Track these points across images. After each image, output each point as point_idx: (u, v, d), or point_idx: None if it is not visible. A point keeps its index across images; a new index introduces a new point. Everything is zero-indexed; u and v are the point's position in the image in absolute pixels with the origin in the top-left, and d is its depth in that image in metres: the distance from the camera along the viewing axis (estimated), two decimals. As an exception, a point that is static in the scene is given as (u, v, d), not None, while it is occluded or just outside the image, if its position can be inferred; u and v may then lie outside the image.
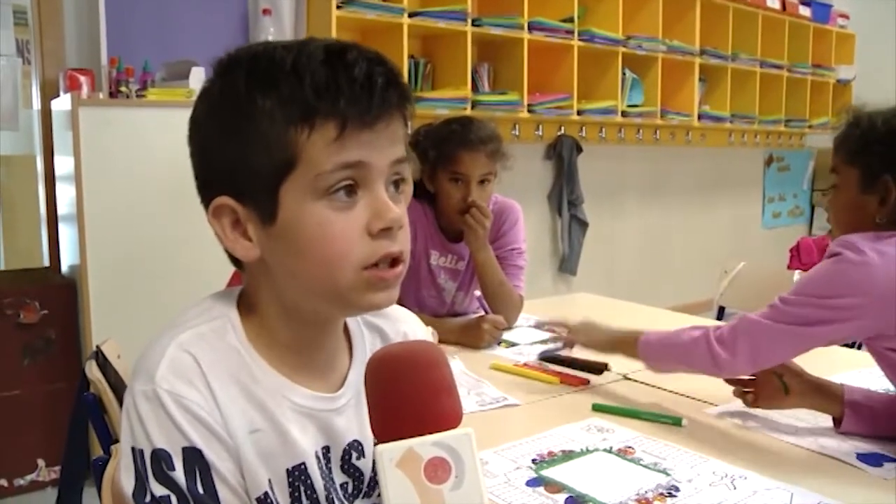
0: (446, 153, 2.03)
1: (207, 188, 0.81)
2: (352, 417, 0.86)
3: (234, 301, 0.84)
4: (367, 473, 0.89)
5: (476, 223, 2.01)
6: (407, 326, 0.97)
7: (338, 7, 3.34)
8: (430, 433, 0.65)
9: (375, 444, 0.66)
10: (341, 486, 0.87)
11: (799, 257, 3.60)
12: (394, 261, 0.79)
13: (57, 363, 2.84)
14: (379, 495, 0.88)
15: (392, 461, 0.64)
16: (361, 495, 0.89)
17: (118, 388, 1.35)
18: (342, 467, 0.87)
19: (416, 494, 0.63)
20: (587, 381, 1.63)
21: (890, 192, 1.29)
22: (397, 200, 0.80)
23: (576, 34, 4.21)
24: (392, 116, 0.78)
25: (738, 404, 1.46)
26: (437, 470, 0.64)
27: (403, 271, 0.81)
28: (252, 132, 0.76)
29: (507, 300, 2.06)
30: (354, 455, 0.87)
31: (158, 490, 0.73)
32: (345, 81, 0.74)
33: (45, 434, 2.79)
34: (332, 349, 0.87)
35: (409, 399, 0.67)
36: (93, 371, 1.39)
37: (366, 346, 0.91)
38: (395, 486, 0.63)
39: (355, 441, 0.87)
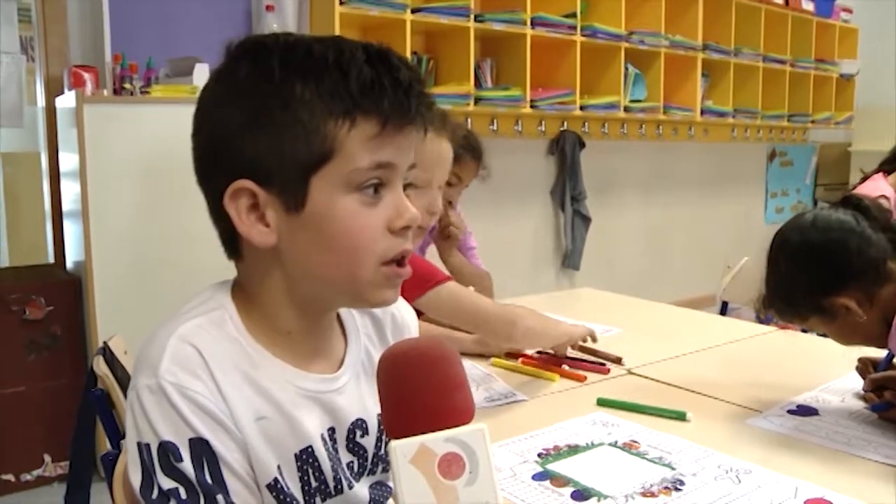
0: (462, 157, 2.06)
1: (221, 171, 0.80)
2: (352, 396, 0.88)
3: (229, 291, 0.85)
4: (371, 451, 0.90)
5: (458, 231, 2.16)
6: (394, 307, 0.99)
7: (341, 3, 3.34)
8: (443, 429, 0.65)
9: (389, 441, 0.66)
10: (347, 465, 0.88)
11: (802, 252, 3.60)
12: (403, 259, 0.83)
13: (62, 359, 2.86)
14: (384, 471, 0.91)
15: (406, 457, 0.64)
16: (367, 473, 0.91)
17: (125, 383, 1.36)
18: (348, 446, 0.88)
19: (430, 490, 0.64)
20: (601, 372, 1.66)
21: (844, 306, 1.31)
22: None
23: (578, 29, 4.21)
24: (420, 122, 0.81)
25: (742, 400, 1.47)
26: (451, 466, 0.64)
27: (410, 271, 0.85)
28: (287, 120, 0.76)
29: (486, 287, 2.22)
30: (359, 433, 0.89)
31: (166, 483, 0.74)
32: (389, 83, 0.77)
33: (51, 430, 2.81)
34: (329, 334, 0.90)
35: (421, 395, 0.67)
36: (100, 367, 1.40)
37: (358, 328, 0.94)
38: (409, 482, 0.64)
39: (359, 419, 0.89)
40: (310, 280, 0.82)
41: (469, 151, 2.10)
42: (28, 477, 2.85)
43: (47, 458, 2.86)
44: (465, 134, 2.12)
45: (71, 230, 3.00)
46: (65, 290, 2.89)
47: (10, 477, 2.82)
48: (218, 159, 0.81)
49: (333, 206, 0.78)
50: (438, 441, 0.64)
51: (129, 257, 2.75)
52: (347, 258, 0.80)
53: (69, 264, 3.08)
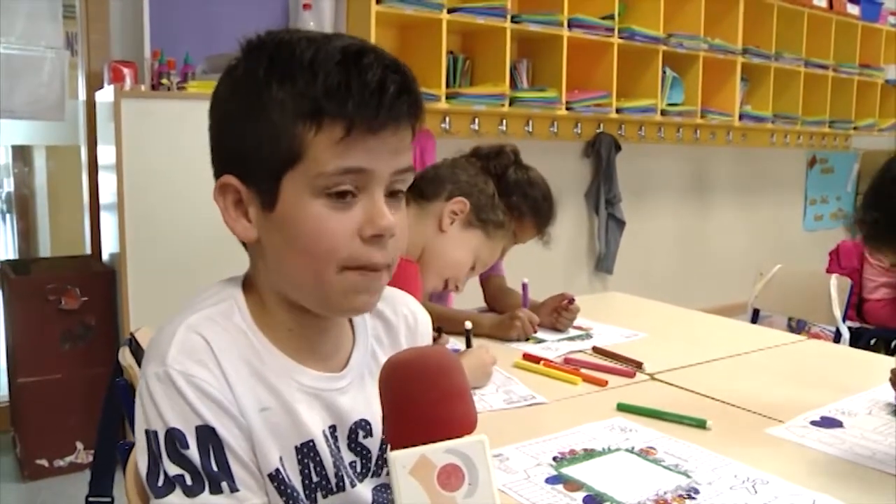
0: (524, 215, 2.06)
1: (217, 164, 0.83)
2: (357, 397, 0.88)
3: (240, 283, 0.87)
4: (375, 452, 0.91)
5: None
6: (406, 309, 0.99)
7: (377, 2, 3.36)
8: (444, 440, 0.65)
9: (389, 451, 0.67)
10: (350, 464, 0.89)
11: (838, 261, 3.54)
12: (375, 268, 0.81)
13: (95, 349, 2.91)
14: (388, 474, 0.91)
15: (405, 468, 0.64)
16: (370, 474, 0.91)
17: (150, 374, 1.38)
18: (349, 446, 0.89)
19: (429, 501, 0.64)
20: (626, 375, 1.64)
21: None
22: (394, 208, 0.81)
23: (616, 31, 4.18)
24: (400, 125, 0.78)
25: (765, 409, 1.45)
26: (450, 477, 0.64)
27: (386, 280, 0.83)
28: (264, 120, 0.77)
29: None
30: (362, 434, 0.89)
31: (172, 470, 0.75)
32: (356, 84, 0.75)
33: (84, 418, 2.86)
34: (335, 333, 0.89)
35: (421, 405, 0.67)
36: (125, 357, 1.42)
37: (367, 329, 0.94)
38: (408, 493, 0.64)
39: (362, 420, 0.89)
40: (285, 281, 0.83)
41: (533, 215, 2.07)
42: (61, 463, 2.90)
43: (80, 445, 2.92)
44: (539, 197, 2.08)
45: (108, 222, 3.05)
46: (100, 281, 2.95)
47: (44, 462, 2.88)
48: (213, 153, 0.84)
49: (301, 209, 0.78)
50: (438, 452, 0.65)
51: (163, 250, 2.79)
52: (310, 260, 0.79)
53: (105, 256, 3.14)
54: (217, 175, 0.83)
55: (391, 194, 0.81)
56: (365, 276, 0.80)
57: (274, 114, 0.77)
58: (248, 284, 0.87)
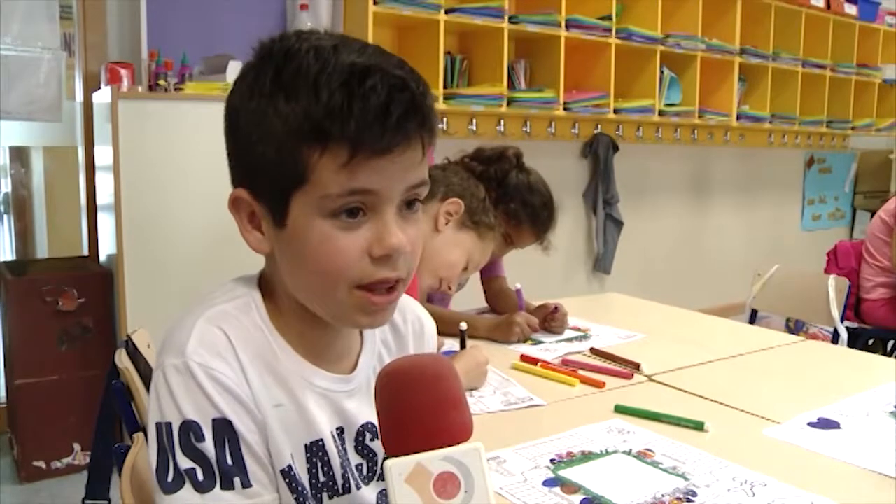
0: (523, 222, 2.06)
1: (232, 171, 0.83)
2: (364, 400, 0.89)
3: (256, 282, 0.87)
4: (381, 456, 0.90)
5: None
6: (412, 314, 0.99)
7: (374, 2, 3.35)
8: (440, 447, 0.65)
9: (385, 459, 0.66)
10: (356, 466, 0.89)
11: (836, 261, 3.53)
12: (391, 287, 0.80)
13: (93, 350, 2.90)
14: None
15: (401, 476, 0.64)
16: (376, 478, 0.91)
17: (147, 376, 1.38)
18: (356, 448, 0.89)
19: None
20: (623, 377, 1.63)
21: None
22: (409, 221, 0.80)
23: (613, 32, 4.18)
24: (409, 143, 0.77)
25: (763, 411, 1.44)
26: (446, 485, 0.64)
27: (398, 297, 0.82)
28: (270, 134, 0.76)
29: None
30: (368, 437, 0.90)
31: (184, 463, 0.74)
32: (359, 108, 0.73)
33: (82, 419, 2.85)
34: (343, 338, 0.90)
35: (417, 413, 0.67)
36: (122, 359, 1.42)
37: (376, 333, 0.94)
38: (404, 501, 0.64)
39: (369, 423, 0.89)
40: (296, 291, 0.83)
41: (532, 223, 2.07)
42: (58, 464, 2.90)
43: (77, 447, 2.91)
44: (538, 204, 2.07)
45: (105, 223, 3.04)
46: (97, 282, 2.94)
47: (42, 464, 2.87)
48: (228, 158, 0.83)
49: (310, 229, 0.77)
50: (434, 460, 0.64)
51: (161, 252, 2.78)
52: (320, 279, 0.79)
53: (102, 257, 3.13)
54: (232, 182, 0.82)
55: (406, 205, 0.80)
56: (376, 295, 0.80)
57: (279, 128, 0.75)
58: (262, 284, 0.87)
